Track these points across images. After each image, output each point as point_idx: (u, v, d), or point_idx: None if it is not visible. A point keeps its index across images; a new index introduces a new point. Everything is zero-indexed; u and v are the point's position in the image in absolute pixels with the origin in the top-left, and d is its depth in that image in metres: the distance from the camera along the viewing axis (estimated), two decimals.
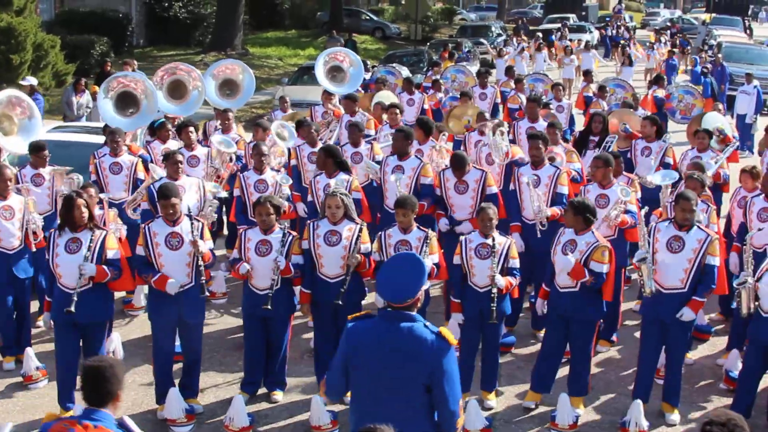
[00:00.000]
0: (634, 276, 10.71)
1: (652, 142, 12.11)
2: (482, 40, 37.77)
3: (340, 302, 8.06)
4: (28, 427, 7.85)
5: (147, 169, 10.82)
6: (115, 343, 9.16)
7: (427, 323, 5.23)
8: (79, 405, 7.53)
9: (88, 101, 17.88)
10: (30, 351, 8.80)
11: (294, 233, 8.40)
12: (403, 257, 5.77)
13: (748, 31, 49.98)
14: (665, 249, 7.98)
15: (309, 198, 10.23)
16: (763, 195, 9.53)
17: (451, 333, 5.23)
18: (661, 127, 13.26)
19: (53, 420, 4.77)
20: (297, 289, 8.44)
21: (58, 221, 7.99)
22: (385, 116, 13.67)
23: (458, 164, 9.81)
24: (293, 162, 11.37)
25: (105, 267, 7.74)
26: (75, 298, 7.60)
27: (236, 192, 10.35)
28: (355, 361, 5.28)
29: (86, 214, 7.78)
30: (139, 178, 10.74)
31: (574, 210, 8.05)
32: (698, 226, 8.11)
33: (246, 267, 8.11)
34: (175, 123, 12.55)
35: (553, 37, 39.72)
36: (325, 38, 39.26)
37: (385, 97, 15.57)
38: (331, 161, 10.00)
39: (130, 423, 4.82)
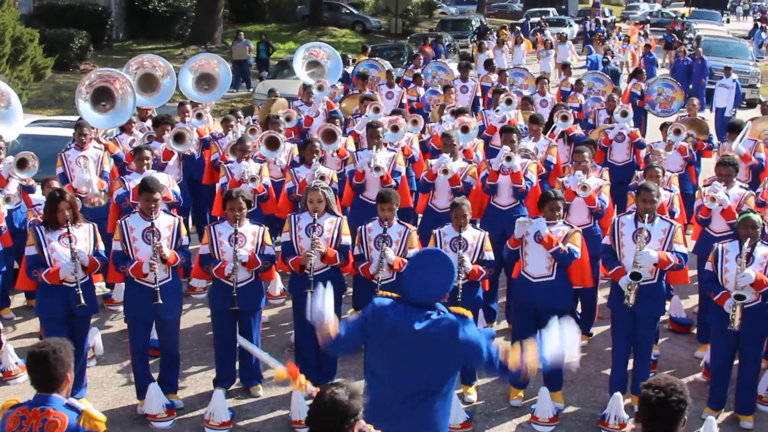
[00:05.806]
0: None
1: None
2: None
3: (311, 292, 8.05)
4: None
5: (119, 169, 10.84)
6: (94, 338, 9.12)
7: (441, 308, 5.29)
8: None
9: None
10: (9, 346, 8.75)
11: (264, 226, 8.38)
12: (432, 255, 5.65)
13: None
14: (632, 242, 8.01)
15: (291, 185, 10.25)
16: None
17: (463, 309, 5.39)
18: None
19: (10, 409, 4.80)
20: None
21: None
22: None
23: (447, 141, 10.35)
24: None
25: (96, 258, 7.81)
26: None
27: (222, 180, 10.29)
28: (375, 334, 5.34)
29: (70, 214, 7.72)
30: (105, 171, 10.71)
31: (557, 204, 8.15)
32: (660, 217, 8.18)
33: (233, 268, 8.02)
34: (149, 115, 12.66)
35: (530, 31, 39.96)
36: (305, 32, 39.21)
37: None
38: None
39: (77, 403, 4.89)
